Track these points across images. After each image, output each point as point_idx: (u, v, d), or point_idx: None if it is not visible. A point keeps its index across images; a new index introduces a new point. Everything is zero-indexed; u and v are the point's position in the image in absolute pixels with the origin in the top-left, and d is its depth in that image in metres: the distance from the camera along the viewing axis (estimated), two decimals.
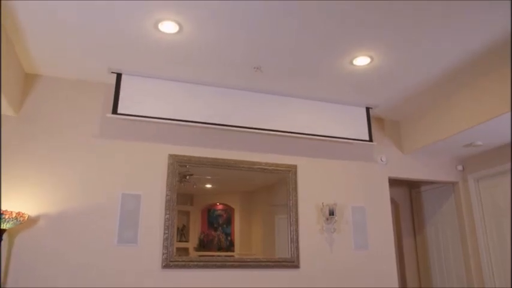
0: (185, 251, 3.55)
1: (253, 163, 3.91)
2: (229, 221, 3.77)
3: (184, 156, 3.69)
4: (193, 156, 3.72)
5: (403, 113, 4.46)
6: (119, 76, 3.48)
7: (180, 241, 3.55)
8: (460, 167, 4.78)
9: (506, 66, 3.34)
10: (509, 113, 3.33)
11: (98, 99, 3.65)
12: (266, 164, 3.95)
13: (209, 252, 3.61)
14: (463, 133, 3.83)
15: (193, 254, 3.56)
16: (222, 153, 3.85)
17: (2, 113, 3.29)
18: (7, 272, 3.04)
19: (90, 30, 2.86)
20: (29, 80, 3.50)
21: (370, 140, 4.16)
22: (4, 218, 2.83)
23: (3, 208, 3.11)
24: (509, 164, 4.19)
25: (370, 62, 3.30)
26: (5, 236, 3.07)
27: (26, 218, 3.05)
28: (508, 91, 3.30)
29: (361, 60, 3.28)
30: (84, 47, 3.09)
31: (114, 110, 3.39)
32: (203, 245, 3.62)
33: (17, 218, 2.92)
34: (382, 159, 4.45)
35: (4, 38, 2.83)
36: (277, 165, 3.99)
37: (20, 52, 3.16)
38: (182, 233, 3.59)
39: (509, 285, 4.11)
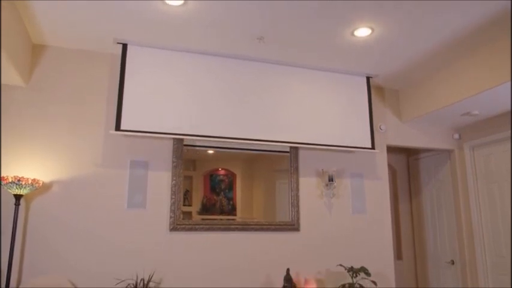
0: (188, 214, 3.69)
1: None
2: (231, 186, 3.88)
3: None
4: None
5: (402, 82, 4.53)
6: (124, 46, 3.54)
7: (183, 205, 3.69)
8: (456, 136, 4.89)
9: (506, 37, 3.39)
10: (509, 83, 3.38)
11: (105, 68, 3.72)
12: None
13: (211, 216, 3.74)
14: (461, 102, 3.91)
15: (196, 217, 3.69)
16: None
17: (13, 83, 3.37)
18: (25, 234, 3.23)
19: (97, 2, 2.91)
20: (37, 50, 3.56)
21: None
22: (21, 184, 2.99)
23: (19, 175, 3.26)
24: (503, 133, 4.29)
25: (371, 33, 3.34)
26: (22, 201, 3.24)
27: (41, 184, 3.21)
28: (508, 61, 3.36)
29: (362, 31, 3.33)
30: (90, 18, 3.13)
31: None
32: (206, 209, 3.75)
33: (32, 184, 3.07)
34: (381, 128, 4.55)
35: (12, 8, 2.88)
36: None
37: (27, 23, 3.21)
38: (185, 197, 3.71)
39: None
